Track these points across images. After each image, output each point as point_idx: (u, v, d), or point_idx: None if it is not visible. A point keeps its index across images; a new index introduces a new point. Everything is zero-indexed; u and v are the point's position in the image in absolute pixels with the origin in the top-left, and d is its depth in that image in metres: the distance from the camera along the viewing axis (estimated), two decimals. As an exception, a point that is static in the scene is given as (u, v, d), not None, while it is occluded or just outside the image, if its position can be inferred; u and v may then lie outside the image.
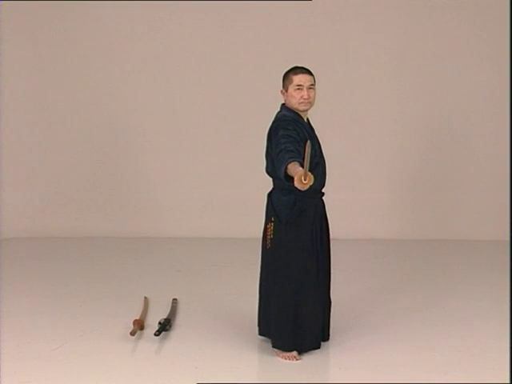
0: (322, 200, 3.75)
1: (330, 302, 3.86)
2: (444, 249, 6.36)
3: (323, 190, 3.74)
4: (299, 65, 3.69)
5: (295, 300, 3.63)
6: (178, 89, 6.77)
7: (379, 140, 6.79)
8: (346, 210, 6.55)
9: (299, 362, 3.64)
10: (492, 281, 5.22)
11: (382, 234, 6.70)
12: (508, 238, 6.52)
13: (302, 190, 3.15)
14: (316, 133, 3.76)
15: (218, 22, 6.68)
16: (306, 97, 3.58)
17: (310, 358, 3.69)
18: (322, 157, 3.71)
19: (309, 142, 3.08)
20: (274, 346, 3.74)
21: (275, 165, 3.50)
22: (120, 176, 6.87)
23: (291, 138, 3.46)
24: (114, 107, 6.79)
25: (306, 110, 3.66)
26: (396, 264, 5.79)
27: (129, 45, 6.74)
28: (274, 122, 3.64)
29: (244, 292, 4.67)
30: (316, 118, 3.86)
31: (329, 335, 3.90)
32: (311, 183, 3.12)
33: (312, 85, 3.62)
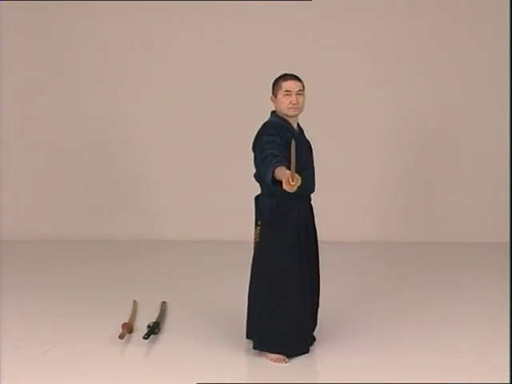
0: (310, 203, 3.84)
1: (318, 305, 3.94)
2: (438, 251, 6.42)
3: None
4: (288, 71, 3.79)
5: (277, 303, 3.71)
6: (173, 93, 6.84)
7: (369, 142, 6.84)
8: (338, 213, 6.63)
9: (288, 364, 3.72)
10: (487, 282, 5.32)
11: (371, 236, 6.76)
12: (507, 240, 6.59)
13: (291, 191, 3.22)
14: (308, 138, 3.84)
15: (213, 25, 6.76)
16: (294, 102, 3.68)
17: (299, 361, 3.76)
18: (312, 162, 3.81)
19: (293, 141, 3.17)
20: (254, 347, 3.83)
21: (261, 170, 3.60)
22: (110, 180, 6.95)
23: (275, 143, 3.56)
24: (109, 113, 6.86)
25: (296, 116, 3.75)
26: (386, 266, 5.86)
27: (126, 49, 6.82)
28: (259, 129, 3.74)
29: (233, 295, 4.70)
30: (306, 121, 3.94)
31: (314, 338, 3.99)
32: (299, 184, 3.20)
33: (301, 90, 3.72)
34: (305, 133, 3.87)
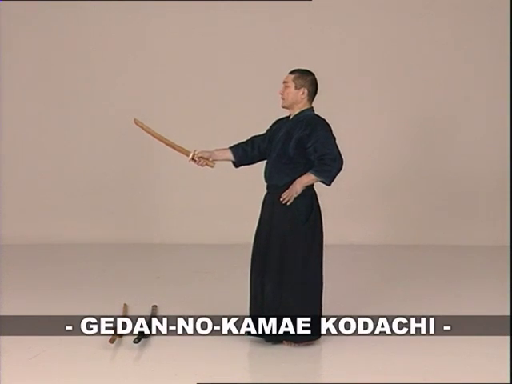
0: (277, 194, 4.02)
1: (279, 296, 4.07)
2: (437, 254, 6.62)
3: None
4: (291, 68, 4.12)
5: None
6: (172, 96, 7.03)
7: (364, 142, 7.01)
8: (335, 215, 6.78)
9: (279, 369, 3.86)
10: (487, 284, 5.54)
11: (361, 239, 6.93)
12: (507, 243, 6.77)
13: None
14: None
15: (213, 26, 6.98)
16: (280, 92, 4.07)
17: (294, 364, 3.90)
18: (285, 153, 4.01)
19: None
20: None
21: None
22: (103, 186, 7.12)
23: (260, 134, 4.22)
24: (108, 118, 7.04)
25: (284, 107, 4.08)
26: (377, 269, 6.06)
27: (126, 49, 7.03)
28: None
29: (223, 298, 4.86)
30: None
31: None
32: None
33: (285, 82, 4.05)
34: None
